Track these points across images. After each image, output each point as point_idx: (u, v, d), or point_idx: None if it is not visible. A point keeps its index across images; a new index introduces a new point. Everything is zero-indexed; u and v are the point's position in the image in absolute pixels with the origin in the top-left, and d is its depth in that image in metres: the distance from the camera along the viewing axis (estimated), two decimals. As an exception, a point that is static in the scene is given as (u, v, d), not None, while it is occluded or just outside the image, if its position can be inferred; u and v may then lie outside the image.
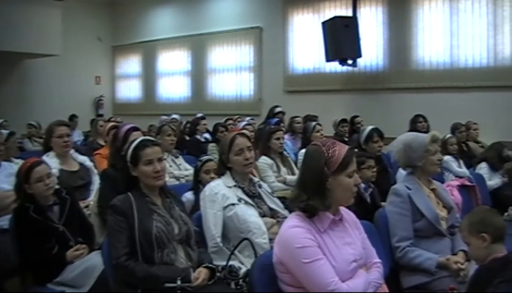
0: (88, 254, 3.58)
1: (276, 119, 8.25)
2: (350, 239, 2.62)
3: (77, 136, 10.84)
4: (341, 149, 2.54)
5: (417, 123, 8.23)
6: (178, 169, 6.02)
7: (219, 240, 3.25)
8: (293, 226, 2.47)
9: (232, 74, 12.51)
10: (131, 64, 14.86)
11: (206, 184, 3.68)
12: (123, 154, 3.17)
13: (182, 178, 5.84)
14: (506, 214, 5.73)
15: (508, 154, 6.50)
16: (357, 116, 9.14)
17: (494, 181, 6.16)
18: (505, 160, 6.39)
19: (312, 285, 2.39)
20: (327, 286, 2.36)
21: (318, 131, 6.37)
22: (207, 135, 8.73)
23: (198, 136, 8.60)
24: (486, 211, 2.82)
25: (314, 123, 6.55)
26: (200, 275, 2.91)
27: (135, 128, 4.37)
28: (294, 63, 11.36)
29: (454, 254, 3.30)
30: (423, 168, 3.57)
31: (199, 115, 9.33)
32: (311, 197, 2.48)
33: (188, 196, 4.33)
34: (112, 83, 15.33)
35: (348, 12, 10.17)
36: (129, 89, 14.98)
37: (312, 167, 2.53)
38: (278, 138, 5.83)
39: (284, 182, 5.64)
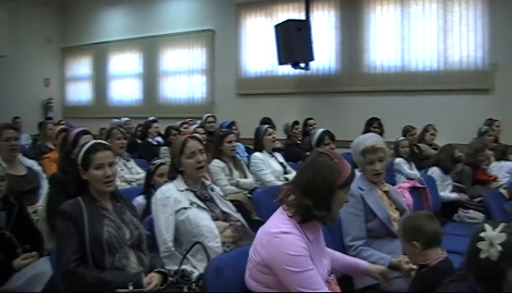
0: (37, 260, 3.49)
1: (228, 122, 8.22)
2: (324, 251, 2.67)
3: (25, 139, 10.58)
4: (348, 165, 2.54)
5: (371, 126, 8.27)
6: (129, 172, 5.97)
7: (171, 244, 3.23)
8: (287, 231, 2.43)
9: (184, 77, 12.43)
10: (82, 66, 14.58)
11: (159, 187, 3.64)
12: (73, 157, 3.12)
13: (134, 181, 5.79)
14: (456, 215, 5.88)
15: (460, 154, 6.64)
16: (310, 119, 9.16)
17: (449, 193, 6.20)
18: (458, 161, 6.52)
19: (296, 290, 2.38)
20: None
21: (270, 134, 6.34)
22: (159, 138, 8.66)
23: (150, 140, 8.51)
24: (418, 218, 2.85)
25: (266, 126, 6.51)
26: (152, 279, 2.88)
27: (85, 132, 4.30)
28: (247, 66, 11.37)
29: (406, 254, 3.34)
30: (364, 173, 3.64)
31: (151, 118, 9.24)
32: (316, 206, 2.46)
33: (140, 200, 4.28)
34: (62, 85, 15.00)
35: (300, 15, 10.23)
36: (80, 92, 14.68)
37: (325, 176, 2.48)
38: (229, 142, 5.81)
39: (237, 185, 5.62)
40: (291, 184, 2.62)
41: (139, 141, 8.74)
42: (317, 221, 2.54)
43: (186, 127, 8.33)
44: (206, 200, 3.47)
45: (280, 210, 2.59)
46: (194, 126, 8.08)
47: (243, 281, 2.62)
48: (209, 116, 8.97)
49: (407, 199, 4.92)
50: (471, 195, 6.14)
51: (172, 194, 3.36)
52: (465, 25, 8.92)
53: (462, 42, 8.96)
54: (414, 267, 3.12)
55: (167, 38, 12.61)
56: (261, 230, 2.55)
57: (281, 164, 6.19)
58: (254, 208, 4.75)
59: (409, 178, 6.24)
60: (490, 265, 2.04)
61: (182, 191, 3.41)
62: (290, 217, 2.50)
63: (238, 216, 3.58)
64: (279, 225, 2.47)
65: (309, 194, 2.47)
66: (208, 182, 3.76)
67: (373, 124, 8.26)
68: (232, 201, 3.84)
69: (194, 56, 12.26)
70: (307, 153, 5.76)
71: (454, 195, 6.16)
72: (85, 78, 14.55)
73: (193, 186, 3.48)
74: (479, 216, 5.66)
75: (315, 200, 2.46)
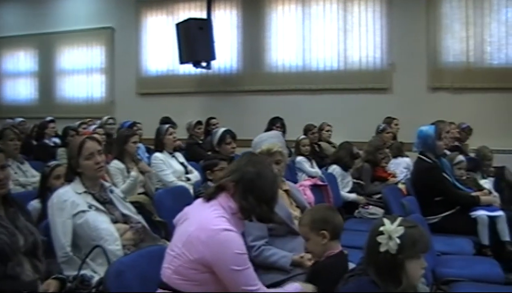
0: None
1: (129, 123, 8.08)
2: None
3: None
4: None
5: (274, 126, 8.29)
6: (24, 175, 5.76)
7: (69, 249, 3.13)
8: (229, 229, 2.43)
9: (83, 76, 12.12)
10: (-30, 64, 13.85)
11: (55, 190, 3.51)
12: (-40, 161, 2.93)
13: (29, 185, 5.60)
14: (356, 211, 6.07)
15: (358, 151, 6.84)
16: (212, 118, 9.16)
17: (349, 194, 6.33)
18: (356, 157, 6.72)
19: (238, 288, 2.42)
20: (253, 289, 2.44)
21: (171, 134, 6.28)
22: (56, 139, 8.36)
23: (46, 141, 8.20)
24: (327, 209, 3.00)
25: (167, 126, 6.44)
26: (49, 287, 2.77)
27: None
28: (147, 65, 11.27)
29: (308, 252, 3.38)
30: None
31: (48, 118, 8.90)
32: (261, 204, 2.54)
33: (35, 204, 4.10)
34: None
35: (202, 14, 10.24)
36: (-32, 91, 13.94)
37: (271, 179, 2.60)
38: (134, 142, 5.71)
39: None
40: (232, 181, 2.59)
41: (34, 142, 8.40)
42: (257, 219, 2.60)
43: (84, 128, 8.09)
44: (105, 202, 3.39)
45: (208, 206, 2.57)
46: (93, 126, 7.88)
47: (144, 283, 2.58)
48: (109, 118, 8.81)
49: (308, 196, 4.99)
50: (370, 191, 6.36)
51: (69, 197, 3.24)
52: (364, 26, 9.28)
53: (361, 42, 9.31)
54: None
55: (64, 35, 12.21)
56: (196, 227, 2.47)
57: (182, 163, 6.15)
58: (155, 209, 4.67)
59: (310, 176, 6.37)
60: (389, 258, 2.13)
61: (80, 193, 3.30)
62: (233, 214, 2.54)
63: (138, 217, 3.53)
64: (218, 222, 2.45)
65: (255, 191, 2.54)
66: (107, 184, 3.67)
67: (276, 124, 8.32)
68: (132, 203, 3.78)
69: (93, 55, 11.98)
70: (209, 153, 5.79)
71: (353, 196, 6.33)
72: (-27, 76, 13.80)
73: (92, 188, 3.38)
74: (379, 211, 5.88)
75: (260, 198, 2.54)
